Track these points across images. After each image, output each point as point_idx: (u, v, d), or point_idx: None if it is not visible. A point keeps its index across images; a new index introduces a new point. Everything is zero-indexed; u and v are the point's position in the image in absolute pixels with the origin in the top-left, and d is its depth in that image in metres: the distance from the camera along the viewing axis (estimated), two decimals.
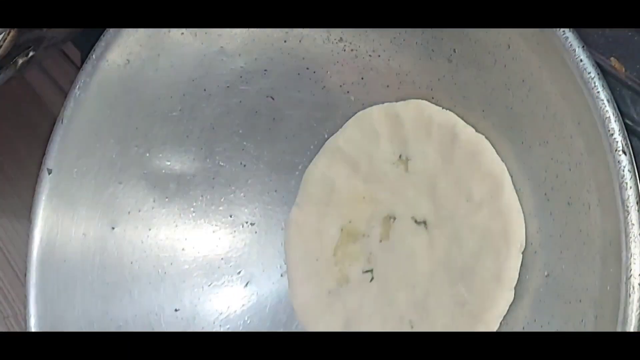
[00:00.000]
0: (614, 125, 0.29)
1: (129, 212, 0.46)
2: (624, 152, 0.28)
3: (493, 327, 0.38)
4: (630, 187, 0.28)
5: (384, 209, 0.44)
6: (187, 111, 0.46)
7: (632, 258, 0.28)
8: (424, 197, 0.42)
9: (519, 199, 0.38)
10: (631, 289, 0.28)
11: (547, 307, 0.36)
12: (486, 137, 0.40)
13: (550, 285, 0.36)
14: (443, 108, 0.41)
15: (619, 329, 0.28)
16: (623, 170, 0.28)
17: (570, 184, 0.34)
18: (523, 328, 0.37)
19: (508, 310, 0.38)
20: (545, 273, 0.36)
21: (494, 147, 0.39)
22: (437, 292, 0.41)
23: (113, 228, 0.45)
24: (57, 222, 0.44)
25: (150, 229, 0.47)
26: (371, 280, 0.44)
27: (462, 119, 0.41)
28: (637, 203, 0.28)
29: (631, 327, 0.28)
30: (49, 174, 0.44)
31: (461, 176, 0.40)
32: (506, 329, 0.38)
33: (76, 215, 0.44)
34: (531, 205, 0.38)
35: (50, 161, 0.44)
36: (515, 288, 0.38)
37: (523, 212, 0.38)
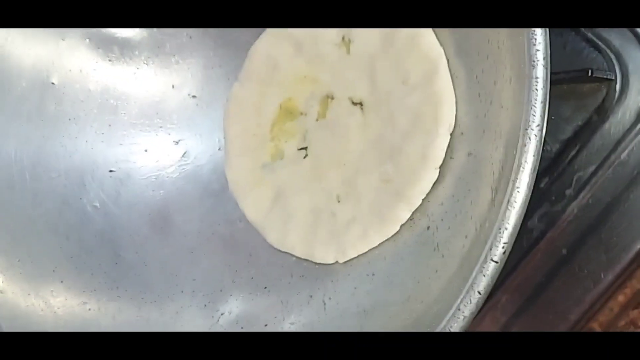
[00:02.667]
0: None
1: (70, 70, 0.46)
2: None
3: (415, 204, 0.40)
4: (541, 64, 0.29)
5: (324, 89, 0.45)
6: None
7: (529, 129, 0.29)
8: (363, 79, 0.43)
9: (453, 83, 0.39)
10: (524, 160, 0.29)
11: (465, 184, 0.37)
12: None
13: (471, 164, 0.37)
14: None
15: (506, 200, 0.29)
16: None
17: (498, 63, 0.35)
18: (442, 203, 0.39)
19: (431, 189, 0.39)
20: (468, 152, 0.38)
21: (434, 31, 0.40)
22: (366, 170, 0.42)
23: (53, 83, 0.45)
24: None
25: (90, 89, 0.47)
26: (305, 157, 0.45)
27: None
28: (544, 73, 0.29)
29: (519, 201, 0.29)
30: None
31: (400, 59, 0.41)
32: (427, 205, 0.40)
33: (16, 67, 0.44)
34: (463, 89, 0.39)
35: None
36: (440, 168, 0.39)
37: (455, 96, 0.39)
